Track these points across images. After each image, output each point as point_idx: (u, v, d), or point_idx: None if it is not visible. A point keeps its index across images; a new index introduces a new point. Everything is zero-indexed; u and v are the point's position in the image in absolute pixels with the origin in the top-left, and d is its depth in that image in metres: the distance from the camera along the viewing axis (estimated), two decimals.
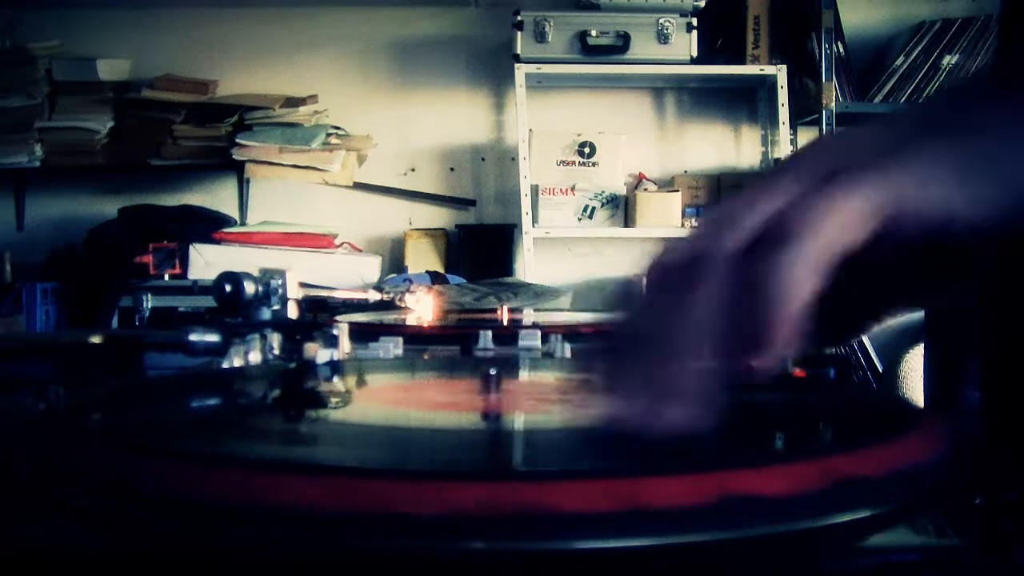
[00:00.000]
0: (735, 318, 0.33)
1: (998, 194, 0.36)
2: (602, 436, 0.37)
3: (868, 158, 0.35)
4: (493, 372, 0.48)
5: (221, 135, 2.80)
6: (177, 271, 2.57)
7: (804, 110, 2.89)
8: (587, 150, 2.89)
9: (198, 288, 2.45)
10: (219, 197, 3.01)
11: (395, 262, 2.99)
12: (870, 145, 0.36)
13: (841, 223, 0.33)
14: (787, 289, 0.32)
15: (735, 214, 0.34)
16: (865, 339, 2.74)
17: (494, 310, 1.23)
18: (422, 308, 1.09)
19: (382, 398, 0.51)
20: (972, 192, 0.35)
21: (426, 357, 0.78)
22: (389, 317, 1.05)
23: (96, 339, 0.58)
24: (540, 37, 2.75)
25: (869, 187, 0.34)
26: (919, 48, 2.86)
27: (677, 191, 2.87)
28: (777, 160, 2.90)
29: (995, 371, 0.63)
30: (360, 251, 2.89)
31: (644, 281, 0.36)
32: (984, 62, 2.81)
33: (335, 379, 0.58)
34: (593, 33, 2.75)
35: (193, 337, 0.62)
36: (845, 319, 0.58)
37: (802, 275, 0.32)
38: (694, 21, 2.76)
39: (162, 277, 2.56)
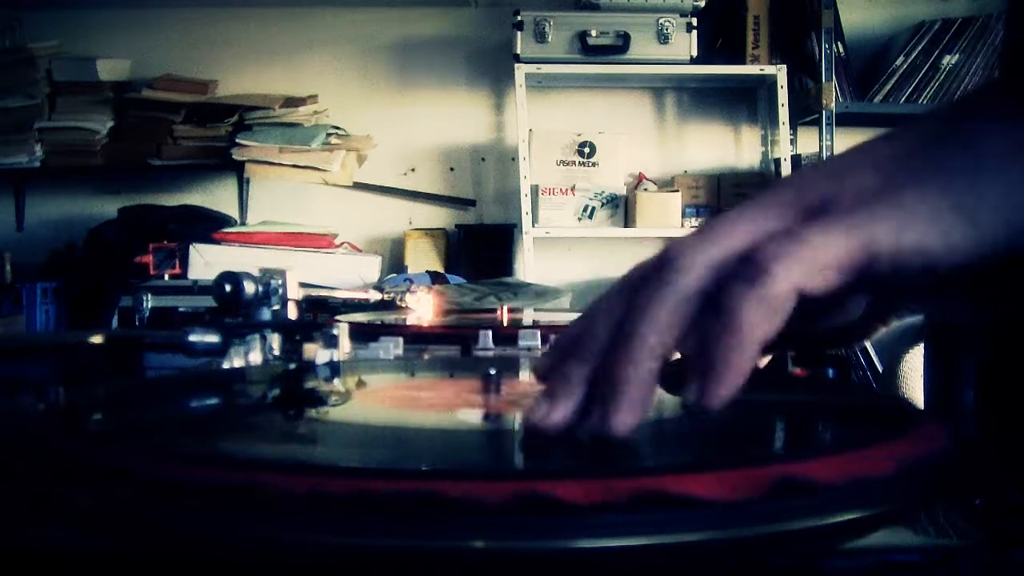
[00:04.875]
0: (692, 337, 0.34)
1: (978, 235, 0.35)
2: (595, 436, 0.37)
3: (849, 199, 0.35)
4: (493, 372, 0.48)
5: (221, 135, 2.81)
6: (177, 271, 2.57)
7: (804, 110, 2.89)
8: (587, 150, 2.89)
9: (198, 288, 2.45)
10: (219, 197, 3.01)
11: (395, 262, 2.99)
12: (854, 182, 0.36)
13: (811, 267, 0.33)
14: (747, 324, 0.33)
15: (716, 234, 0.35)
16: None
17: (494, 310, 1.23)
18: (422, 308, 1.09)
19: (381, 398, 0.51)
20: (951, 236, 0.35)
21: (426, 357, 0.78)
22: (389, 317, 1.05)
23: (96, 339, 0.58)
24: (540, 37, 2.75)
25: (844, 232, 0.34)
26: (919, 48, 2.86)
27: (677, 191, 2.87)
28: (777, 160, 2.90)
29: (995, 371, 0.63)
30: (360, 251, 2.89)
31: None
32: (985, 62, 2.81)
33: (335, 379, 0.58)
34: (593, 33, 2.75)
35: (193, 338, 0.62)
36: (851, 322, 0.58)
37: (763, 314, 0.33)
38: (694, 21, 2.76)
39: (162, 277, 2.56)
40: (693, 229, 0.36)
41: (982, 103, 0.40)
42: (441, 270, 2.80)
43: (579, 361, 0.35)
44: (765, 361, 0.65)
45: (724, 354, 0.33)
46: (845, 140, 2.79)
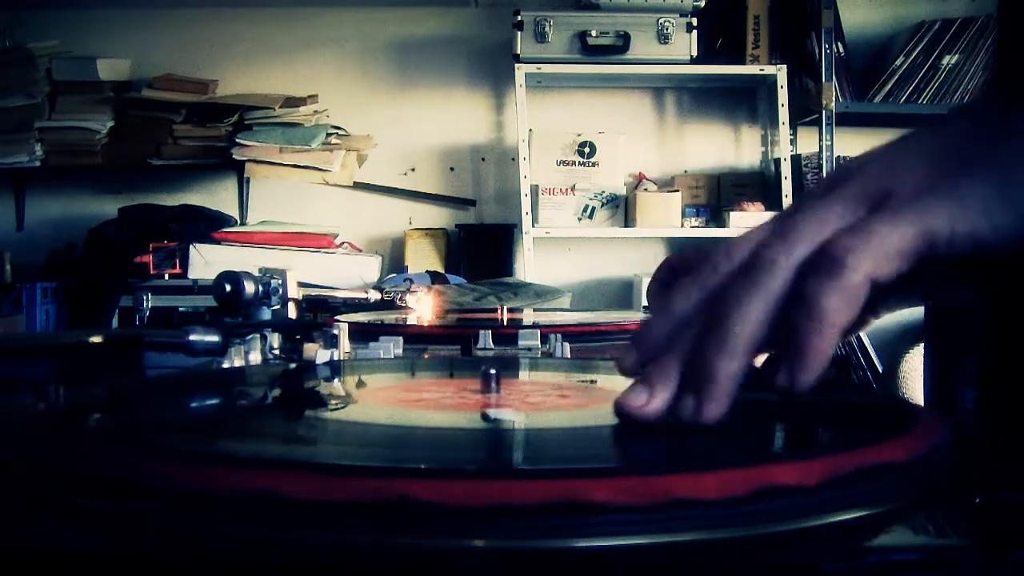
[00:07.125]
0: (779, 331, 0.37)
1: (1018, 220, 0.38)
2: (593, 434, 0.37)
3: (907, 191, 0.38)
4: (493, 372, 0.48)
5: (221, 135, 2.81)
6: (177, 271, 2.57)
7: (804, 110, 2.89)
8: (587, 150, 2.89)
9: (198, 288, 2.46)
10: (219, 197, 3.01)
11: (395, 262, 2.99)
12: (909, 174, 0.39)
13: (880, 256, 0.37)
14: (829, 313, 0.36)
15: (796, 233, 0.38)
16: (865, 339, 2.74)
17: (494, 310, 1.23)
18: (422, 308, 1.10)
19: (381, 398, 0.51)
20: (997, 221, 0.38)
21: (426, 357, 0.78)
22: (389, 317, 1.05)
23: (96, 339, 0.58)
24: (540, 37, 2.75)
25: (910, 222, 0.37)
26: (919, 48, 2.86)
27: (677, 191, 2.87)
28: (777, 160, 2.90)
29: (995, 371, 0.63)
30: (360, 251, 2.89)
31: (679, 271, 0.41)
32: (985, 62, 2.81)
33: (335, 379, 0.58)
34: (593, 33, 2.75)
35: (193, 337, 0.62)
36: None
37: (842, 302, 0.36)
38: (694, 21, 2.76)
39: (162, 277, 2.56)
40: (746, 230, 0.41)
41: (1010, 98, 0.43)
42: (441, 270, 2.80)
43: (675, 354, 0.38)
44: (761, 359, 0.66)
45: (809, 341, 0.36)
46: (845, 140, 2.79)
